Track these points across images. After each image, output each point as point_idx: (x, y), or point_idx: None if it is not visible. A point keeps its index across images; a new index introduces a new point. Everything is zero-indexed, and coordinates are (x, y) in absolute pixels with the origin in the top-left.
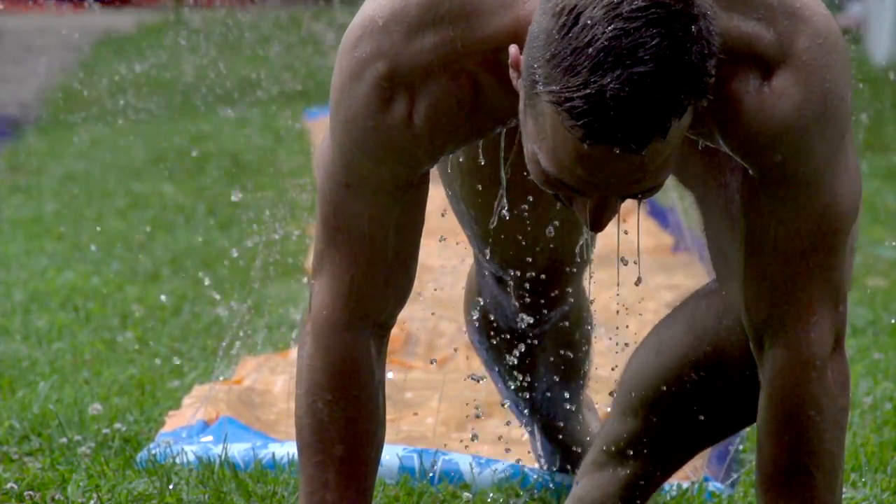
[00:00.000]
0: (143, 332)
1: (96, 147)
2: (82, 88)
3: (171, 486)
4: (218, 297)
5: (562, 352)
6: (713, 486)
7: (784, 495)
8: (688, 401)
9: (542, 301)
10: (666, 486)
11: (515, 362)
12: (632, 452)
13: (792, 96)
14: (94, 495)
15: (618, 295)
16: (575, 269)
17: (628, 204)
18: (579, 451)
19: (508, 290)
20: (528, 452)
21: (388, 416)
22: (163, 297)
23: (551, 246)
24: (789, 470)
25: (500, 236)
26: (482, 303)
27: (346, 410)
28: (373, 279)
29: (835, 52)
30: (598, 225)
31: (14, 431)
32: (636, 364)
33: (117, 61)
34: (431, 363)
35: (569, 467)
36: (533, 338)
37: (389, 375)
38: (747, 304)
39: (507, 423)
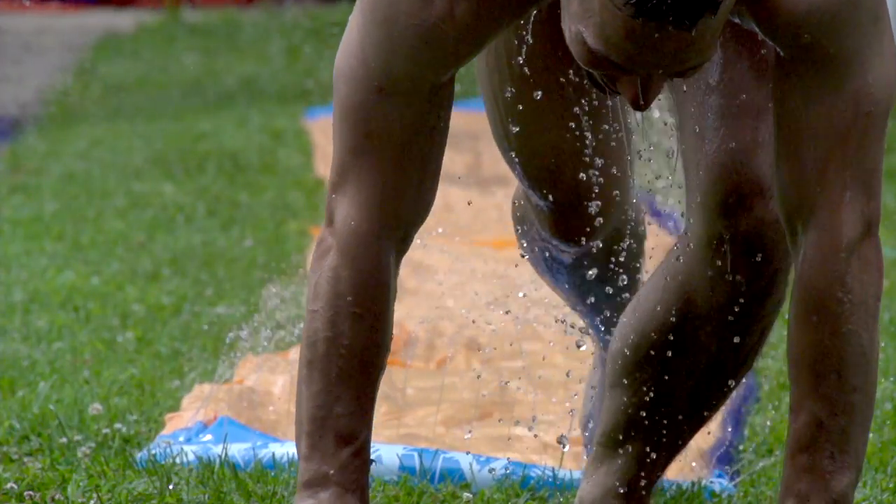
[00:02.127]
0: (143, 332)
1: (96, 147)
2: (82, 88)
3: (171, 486)
4: (217, 297)
5: (610, 266)
6: (719, 483)
7: (813, 377)
8: (666, 354)
9: (571, 231)
10: (666, 484)
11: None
12: (625, 436)
13: None
14: (94, 495)
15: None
16: (603, 204)
17: None
18: None
19: (539, 210)
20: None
21: (387, 416)
22: (163, 298)
23: (576, 169)
24: (818, 352)
25: (523, 146)
26: (523, 207)
27: (367, 325)
28: (403, 187)
29: None
30: (644, 102)
31: (14, 431)
32: (618, 330)
33: (117, 61)
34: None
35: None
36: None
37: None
38: (781, 190)
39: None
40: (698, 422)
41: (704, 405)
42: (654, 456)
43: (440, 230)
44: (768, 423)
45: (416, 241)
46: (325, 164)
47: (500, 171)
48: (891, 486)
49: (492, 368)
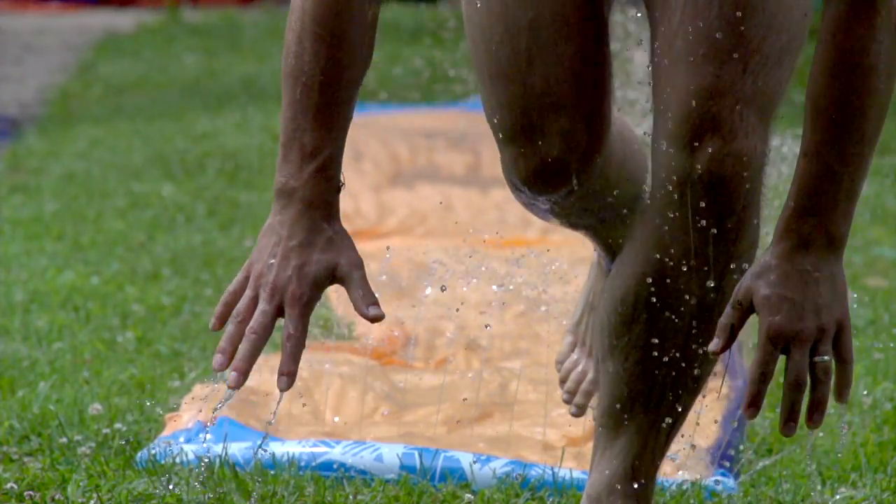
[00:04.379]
0: (143, 332)
1: (96, 147)
2: (82, 88)
3: (171, 486)
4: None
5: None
6: (723, 483)
7: (834, 129)
8: (651, 309)
9: (539, 171)
10: (666, 483)
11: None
12: (624, 410)
13: None
14: (94, 495)
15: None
16: (582, 129)
17: None
18: None
19: (501, 143)
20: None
21: (387, 416)
22: (163, 298)
23: (549, 67)
24: (843, 108)
25: (497, 23)
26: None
27: (328, 45)
28: None
29: None
30: None
31: (14, 431)
32: (603, 298)
33: (117, 61)
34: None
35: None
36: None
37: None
38: None
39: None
40: (695, 384)
41: (698, 363)
42: (656, 428)
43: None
44: (768, 423)
45: (418, 243)
46: None
47: (500, 172)
48: (891, 486)
49: (492, 368)
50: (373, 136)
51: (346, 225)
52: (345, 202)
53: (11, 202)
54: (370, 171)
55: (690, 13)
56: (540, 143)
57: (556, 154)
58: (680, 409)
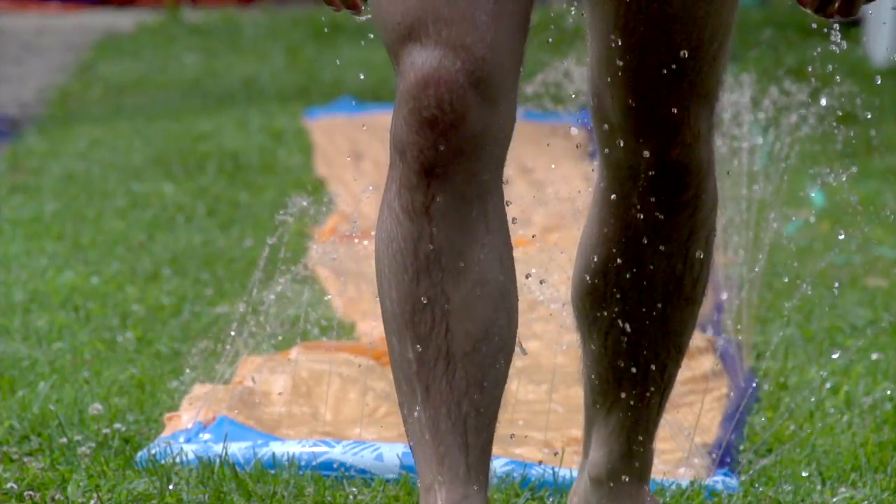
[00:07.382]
0: (143, 332)
1: (96, 147)
2: (82, 88)
3: (171, 486)
4: (216, 296)
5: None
6: (723, 482)
7: None
8: (621, 283)
9: (438, 120)
10: (665, 484)
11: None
12: (613, 386)
13: None
14: (94, 495)
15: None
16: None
17: None
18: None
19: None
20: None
21: (387, 415)
22: (163, 298)
23: None
24: None
25: None
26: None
27: None
28: None
29: None
30: None
31: (14, 431)
32: (572, 284)
33: (117, 61)
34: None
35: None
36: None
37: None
38: None
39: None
40: (677, 353)
41: (676, 330)
42: (646, 401)
43: None
44: (775, 423)
45: None
46: (325, 164)
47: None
48: (891, 486)
49: None
50: (373, 136)
51: (345, 225)
52: (345, 202)
53: (11, 202)
54: (370, 171)
55: (626, 20)
56: (443, 32)
57: (458, 40)
58: (666, 380)
